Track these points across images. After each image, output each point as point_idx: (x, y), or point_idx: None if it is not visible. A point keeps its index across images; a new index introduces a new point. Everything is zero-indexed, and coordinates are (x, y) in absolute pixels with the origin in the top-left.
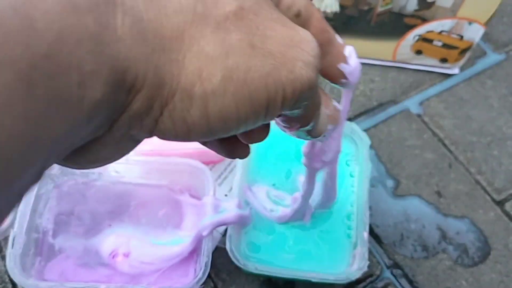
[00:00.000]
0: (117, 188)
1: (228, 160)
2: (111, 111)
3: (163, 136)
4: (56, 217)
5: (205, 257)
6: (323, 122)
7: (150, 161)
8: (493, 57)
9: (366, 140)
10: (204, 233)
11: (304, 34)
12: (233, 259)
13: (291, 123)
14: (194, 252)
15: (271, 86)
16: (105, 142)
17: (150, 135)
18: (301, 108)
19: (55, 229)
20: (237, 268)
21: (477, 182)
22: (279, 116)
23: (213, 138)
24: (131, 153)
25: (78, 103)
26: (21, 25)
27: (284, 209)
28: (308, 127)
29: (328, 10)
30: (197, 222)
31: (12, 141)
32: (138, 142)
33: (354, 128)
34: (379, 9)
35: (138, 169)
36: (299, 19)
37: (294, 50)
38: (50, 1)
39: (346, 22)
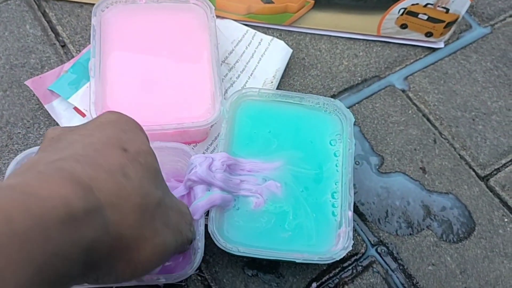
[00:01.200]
0: None
1: (209, 139)
2: (74, 280)
3: (102, 282)
4: None
5: (198, 241)
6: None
7: None
8: (478, 31)
9: (350, 117)
10: (196, 217)
11: (183, 206)
12: (215, 241)
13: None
14: None
15: (177, 246)
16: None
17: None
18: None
19: None
20: (220, 249)
21: (462, 157)
22: None
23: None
24: None
25: (66, 276)
26: (40, 234)
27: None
28: None
29: None
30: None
31: None
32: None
33: (338, 105)
34: None
35: None
36: (126, 153)
37: (182, 221)
38: (61, 214)
39: None
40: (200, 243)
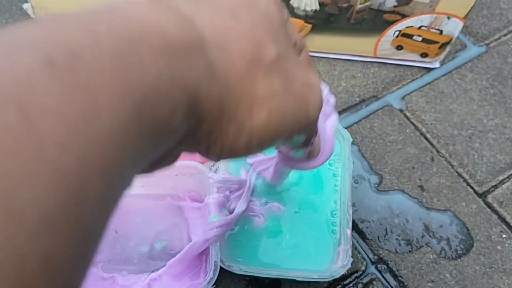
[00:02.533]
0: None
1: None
2: (182, 135)
3: (206, 156)
4: None
5: (214, 257)
6: (317, 145)
7: None
8: (473, 50)
9: (348, 137)
10: (211, 234)
11: (314, 79)
12: (218, 261)
13: (295, 147)
14: (203, 253)
15: (295, 123)
16: (167, 157)
17: (197, 152)
18: (303, 134)
19: None
20: (222, 268)
21: (459, 175)
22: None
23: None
24: None
25: (166, 129)
26: (134, 59)
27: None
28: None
29: (308, 8)
30: (203, 224)
31: (126, 161)
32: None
33: None
34: (359, 6)
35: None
36: (295, 47)
37: (308, 93)
38: (155, 41)
39: (326, 20)
40: (216, 258)
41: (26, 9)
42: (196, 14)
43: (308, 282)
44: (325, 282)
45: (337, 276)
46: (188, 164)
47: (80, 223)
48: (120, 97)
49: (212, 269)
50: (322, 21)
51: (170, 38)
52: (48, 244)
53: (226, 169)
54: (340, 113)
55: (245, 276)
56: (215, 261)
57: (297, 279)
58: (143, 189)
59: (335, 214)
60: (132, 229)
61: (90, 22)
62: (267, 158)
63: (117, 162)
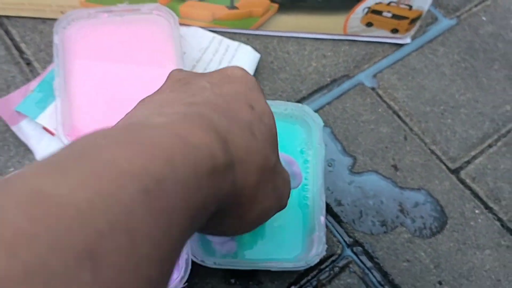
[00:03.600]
0: None
1: None
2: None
3: (212, 229)
4: None
5: (185, 254)
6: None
7: None
8: (444, 23)
9: (319, 121)
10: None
11: (287, 175)
12: (192, 256)
13: None
14: None
15: (273, 213)
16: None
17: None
18: None
19: None
20: (196, 263)
21: (432, 152)
22: None
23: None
24: None
25: (209, 210)
26: (196, 184)
27: None
28: None
29: None
30: None
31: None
32: None
33: (306, 110)
34: None
35: None
36: (253, 111)
37: (284, 190)
38: (209, 166)
39: (294, 0)
40: (187, 255)
41: None
42: (228, 133)
43: (284, 271)
44: (300, 269)
45: (312, 265)
46: None
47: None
48: (184, 215)
49: (183, 267)
50: (290, 1)
51: (217, 163)
52: None
53: None
54: (311, 94)
55: (219, 269)
56: (186, 259)
57: (272, 269)
58: None
59: (307, 202)
60: None
61: (169, 153)
62: None
63: (177, 255)
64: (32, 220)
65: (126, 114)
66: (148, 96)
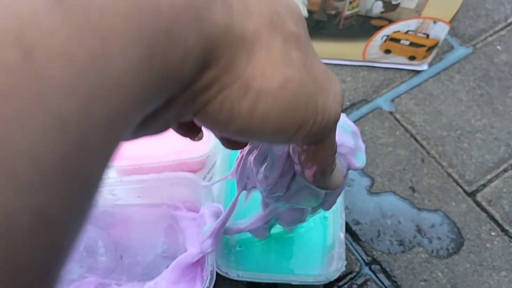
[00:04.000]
0: (116, 212)
1: (206, 168)
2: (183, 85)
3: (203, 120)
4: None
5: (210, 266)
6: (338, 174)
7: (145, 180)
8: (460, 51)
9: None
10: (205, 246)
11: (334, 76)
12: (216, 268)
13: (308, 161)
14: (198, 262)
15: (309, 108)
16: (157, 117)
17: (193, 116)
18: (318, 144)
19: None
20: (220, 274)
21: (449, 175)
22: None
23: (241, 139)
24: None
25: (175, 74)
26: (150, 2)
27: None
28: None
29: None
30: (198, 234)
31: (133, 108)
32: (175, 122)
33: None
34: (346, 12)
35: (134, 188)
36: None
37: (329, 83)
38: None
39: (315, 26)
40: (211, 267)
41: None
42: None
43: (304, 285)
44: (320, 284)
45: (332, 279)
46: (183, 175)
47: (79, 176)
48: (133, 40)
49: (208, 278)
50: (311, 28)
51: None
52: (41, 200)
53: (220, 175)
54: None
55: (242, 281)
56: (211, 270)
57: (293, 283)
58: (139, 199)
59: (328, 219)
60: (129, 239)
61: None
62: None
63: (124, 110)
64: None
65: None
66: None
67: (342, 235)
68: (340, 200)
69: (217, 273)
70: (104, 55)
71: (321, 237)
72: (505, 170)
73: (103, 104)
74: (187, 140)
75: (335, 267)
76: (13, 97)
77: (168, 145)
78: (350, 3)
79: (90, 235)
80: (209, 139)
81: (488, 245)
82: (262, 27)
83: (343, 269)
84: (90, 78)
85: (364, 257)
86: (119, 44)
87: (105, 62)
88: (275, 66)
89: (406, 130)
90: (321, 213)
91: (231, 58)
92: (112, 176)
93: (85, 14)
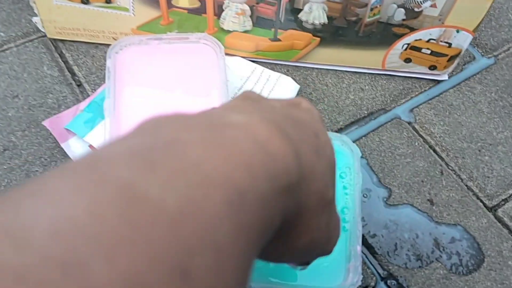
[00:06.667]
0: None
1: None
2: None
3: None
4: None
5: None
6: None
7: None
8: (482, 62)
9: (357, 151)
10: None
11: (339, 221)
12: None
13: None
14: None
15: (318, 252)
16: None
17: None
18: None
19: None
20: None
21: (469, 188)
22: None
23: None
24: None
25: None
26: (273, 199)
27: None
28: None
29: (317, 22)
30: None
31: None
32: None
33: (345, 140)
34: (367, 19)
35: None
36: (318, 139)
37: (335, 233)
38: (285, 182)
39: (335, 33)
40: None
41: (36, 22)
42: (299, 146)
43: None
44: None
45: None
46: None
47: None
48: (258, 232)
49: None
50: (330, 34)
51: (291, 178)
52: None
53: None
54: (348, 126)
55: None
56: None
57: None
58: None
59: (346, 230)
60: None
61: (250, 163)
62: None
63: (250, 269)
64: (129, 225)
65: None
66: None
67: (358, 247)
68: (357, 211)
69: None
70: (247, 246)
71: (338, 250)
72: None
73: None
74: None
75: (351, 281)
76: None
77: None
78: (371, 9)
79: None
80: None
81: (510, 262)
82: (314, 205)
83: (359, 283)
84: (241, 269)
85: (380, 271)
86: (255, 236)
87: (248, 253)
88: (308, 234)
89: (425, 141)
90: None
91: (283, 226)
92: None
93: (244, 215)
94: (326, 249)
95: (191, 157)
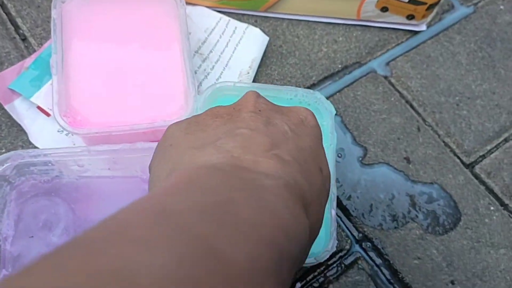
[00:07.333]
0: (83, 184)
1: None
2: None
3: None
4: (16, 222)
5: None
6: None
7: (116, 150)
8: (461, 11)
9: (331, 109)
10: None
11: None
12: None
13: None
14: None
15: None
16: None
17: None
18: None
19: (16, 236)
20: None
21: (446, 144)
22: None
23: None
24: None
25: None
26: (288, 268)
27: None
28: None
29: None
30: None
31: None
32: None
33: (318, 97)
34: None
35: (103, 160)
36: (322, 175)
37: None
38: (299, 237)
39: None
40: None
41: None
42: (309, 205)
43: None
44: (308, 266)
45: (322, 261)
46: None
47: None
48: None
49: None
50: None
51: (306, 237)
52: None
53: None
54: (321, 81)
55: None
56: None
57: None
58: (109, 171)
59: None
60: (97, 216)
61: (285, 226)
62: None
63: None
64: (208, 273)
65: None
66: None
67: (333, 211)
68: (332, 172)
69: None
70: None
71: None
72: (506, 140)
73: None
74: (163, 105)
75: (325, 248)
76: None
77: (140, 109)
78: None
79: (56, 210)
80: (187, 104)
81: (486, 220)
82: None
83: (334, 249)
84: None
85: (355, 233)
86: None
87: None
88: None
89: (402, 95)
90: None
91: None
92: (78, 145)
93: (281, 269)
94: (313, 240)
95: (244, 217)
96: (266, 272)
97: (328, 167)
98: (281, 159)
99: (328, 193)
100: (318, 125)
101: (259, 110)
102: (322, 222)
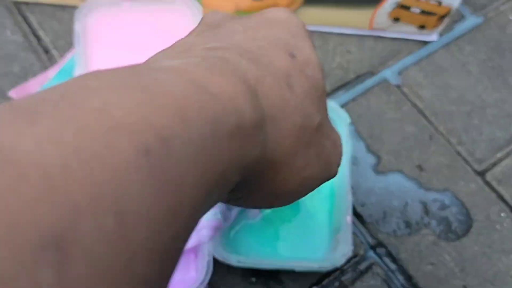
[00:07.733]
0: None
1: None
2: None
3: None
4: None
5: (206, 256)
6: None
7: None
8: (471, 21)
9: (345, 117)
10: (203, 232)
11: (337, 138)
12: (214, 253)
13: None
14: (192, 251)
15: (319, 184)
16: None
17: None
18: None
19: None
20: (218, 260)
21: (458, 153)
22: None
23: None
24: None
25: (219, 199)
26: (214, 146)
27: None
28: None
29: None
30: None
31: (189, 236)
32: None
33: (332, 106)
34: None
35: None
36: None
37: (334, 156)
38: (233, 125)
39: None
40: (209, 257)
41: None
42: (259, 83)
43: (306, 272)
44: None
45: (338, 265)
46: None
47: None
48: (197, 188)
49: (205, 269)
50: None
51: (243, 119)
52: None
53: None
54: (335, 91)
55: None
56: (208, 261)
57: (296, 269)
58: None
59: (333, 201)
60: None
61: (182, 105)
62: None
63: (184, 243)
64: None
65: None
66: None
67: (349, 218)
68: (346, 180)
69: (215, 258)
70: (177, 208)
71: (326, 221)
72: None
73: (174, 254)
74: None
75: (341, 252)
76: (108, 267)
77: None
78: None
79: None
80: None
81: (497, 226)
82: (290, 147)
83: (350, 254)
84: (166, 236)
85: (369, 239)
86: (188, 194)
87: (178, 215)
88: (295, 175)
89: (414, 104)
90: (327, 195)
91: (258, 178)
92: None
93: (166, 168)
94: (327, 176)
95: (93, 103)
96: (123, 167)
97: (310, 54)
98: (212, 48)
99: (318, 82)
100: (293, 16)
101: (210, 22)
102: (302, 112)
